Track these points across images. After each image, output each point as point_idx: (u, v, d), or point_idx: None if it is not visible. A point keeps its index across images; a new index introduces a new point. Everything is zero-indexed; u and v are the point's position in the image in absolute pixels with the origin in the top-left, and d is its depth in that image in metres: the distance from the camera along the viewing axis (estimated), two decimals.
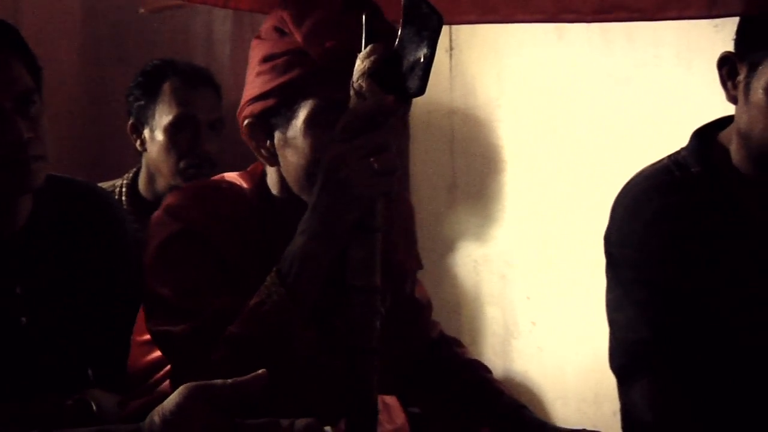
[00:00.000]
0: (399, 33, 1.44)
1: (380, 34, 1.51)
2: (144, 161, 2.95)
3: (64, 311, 1.91)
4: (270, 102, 1.63)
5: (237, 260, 1.64)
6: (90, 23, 3.59)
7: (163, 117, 2.84)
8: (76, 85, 3.57)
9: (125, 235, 2.03)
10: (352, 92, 1.47)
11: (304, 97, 1.60)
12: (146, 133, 2.89)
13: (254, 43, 1.70)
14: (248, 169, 1.79)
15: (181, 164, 2.83)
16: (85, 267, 1.95)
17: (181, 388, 1.27)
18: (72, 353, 1.92)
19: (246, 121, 1.67)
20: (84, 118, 3.58)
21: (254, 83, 1.66)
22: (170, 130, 2.83)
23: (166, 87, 2.86)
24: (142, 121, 2.89)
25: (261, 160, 1.70)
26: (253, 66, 1.68)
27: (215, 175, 1.84)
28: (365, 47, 1.47)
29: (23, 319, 1.87)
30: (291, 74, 1.61)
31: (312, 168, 1.60)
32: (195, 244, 1.64)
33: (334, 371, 1.59)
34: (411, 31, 1.42)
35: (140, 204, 2.93)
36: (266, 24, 1.68)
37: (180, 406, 1.26)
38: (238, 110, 1.70)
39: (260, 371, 1.30)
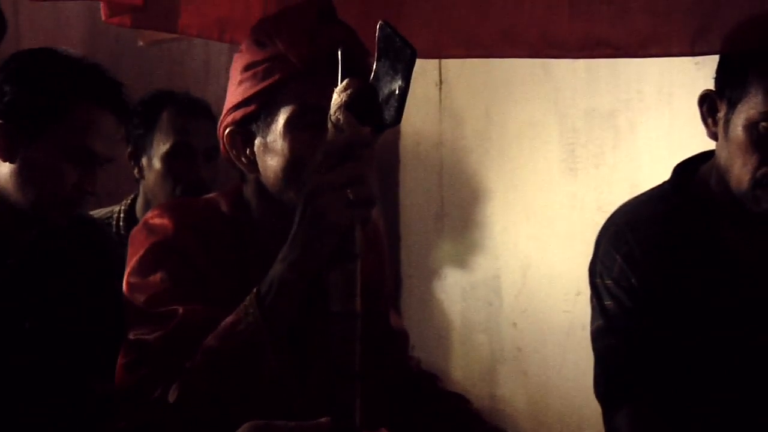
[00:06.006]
0: (374, 66, 1.46)
1: (357, 58, 1.56)
2: (141, 188, 2.97)
3: (61, 335, 1.99)
4: (251, 108, 1.68)
5: (210, 270, 1.69)
6: (90, 55, 3.60)
7: (160, 145, 2.87)
8: None
9: (115, 261, 2.09)
10: (329, 125, 1.49)
11: (284, 102, 1.66)
12: (144, 160, 2.91)
13: (235, 57, 1.75)
14: (226, 189, 1.84)
15: (177, 191, 2.85)
16: (78, 291, 2.04)
17: (245, 425, 1.33)
18: (69, 367, 2.00)
19: (227, 130, 1.72)
20: None
21: (236, 92, 1.71)
22: (167, 158, 2.86)
23: (164, 116, 2.89)
24: (140, 149, 2.92)
25: (241, 168, 1.75)
26: (235, 77, 1.72)
27: None
28: (341, 81, 1.49)
29: (27, 340, 1.95)
30: (271, 79, 1.66)
31: (291, 169, 1.65)
32: (169, 255, 1.69)
33: (307, 394, 1.64)
34: (386, 64, 1.44)
35: None
36: (247, 39, 1.74)
37: None
38: (219, 121, 1.75)
39: (323, 420, 1.36)
